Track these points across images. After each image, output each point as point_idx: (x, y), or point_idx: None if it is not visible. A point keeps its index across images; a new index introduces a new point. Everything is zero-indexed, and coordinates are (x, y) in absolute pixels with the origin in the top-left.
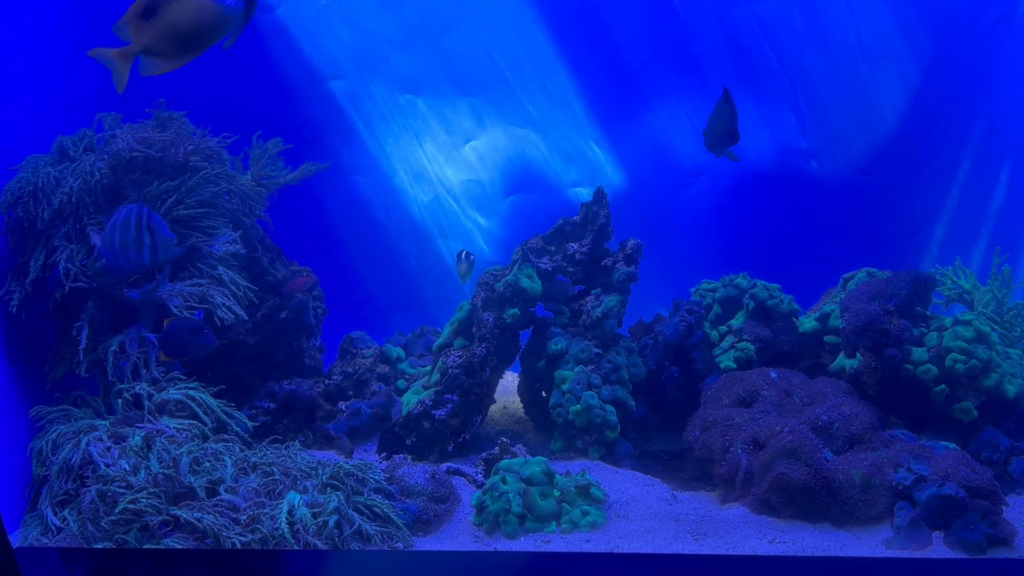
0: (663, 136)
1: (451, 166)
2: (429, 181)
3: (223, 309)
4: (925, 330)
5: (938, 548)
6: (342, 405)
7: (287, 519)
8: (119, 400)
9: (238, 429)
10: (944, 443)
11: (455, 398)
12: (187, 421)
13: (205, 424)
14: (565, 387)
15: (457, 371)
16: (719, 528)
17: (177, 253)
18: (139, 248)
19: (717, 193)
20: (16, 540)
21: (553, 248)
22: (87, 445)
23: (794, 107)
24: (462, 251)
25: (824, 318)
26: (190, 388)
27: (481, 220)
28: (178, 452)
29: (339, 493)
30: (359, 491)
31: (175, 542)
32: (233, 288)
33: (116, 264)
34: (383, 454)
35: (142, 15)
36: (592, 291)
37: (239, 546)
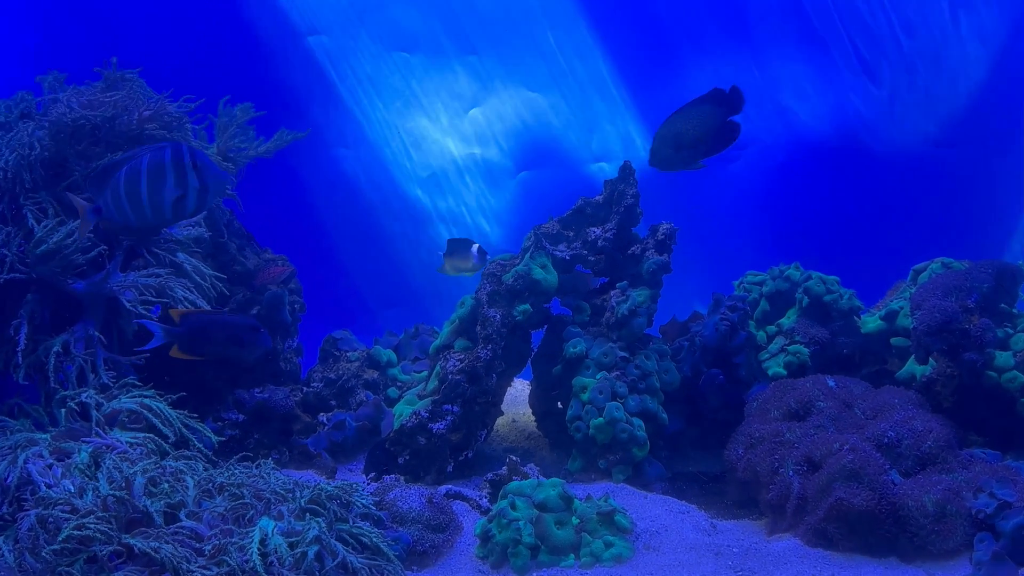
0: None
1: (452, 137)
2: (426, 154)
3: (185, 304)
4: (1011, 331)
5: None
6: (323, 417)
7: (259, 550)
8: (63, 410)
9: (201, 445)
10: None
11: (456, 409)
12: (142, 435)
13: (164, 438)
14: (585, 397)
15: (458, 377)
16: (766, 563)
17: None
18: (181, 196)
19: (766, 169)
20: None
21: (571, 233)
22: (25, 462)
23: (857, 67)
24: (473, 244)
25: (891, 317)
26: (145, 396)
27: (487, 200)
28: (132, 471)
29: (320, 520)
30: (343, 517)
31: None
32: (197, 279)
33: (140, 219)
34: (371, 474)
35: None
36: (617, 284)
37: None
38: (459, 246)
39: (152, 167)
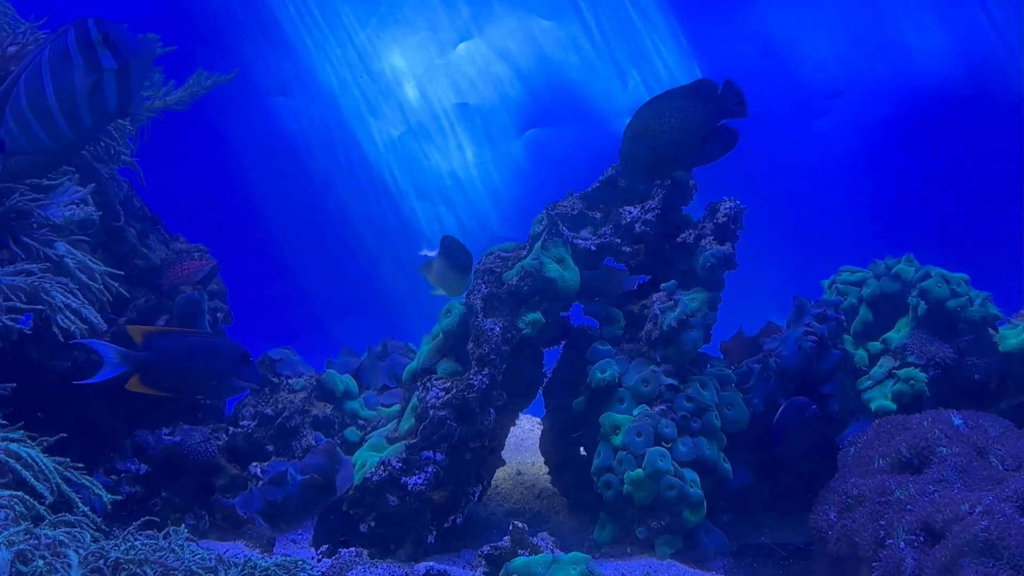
0: (779, 33)
1: (434, 81)
2: (398, 106)
3: (66, 313)
4: None
5: None
6: (257, 468)
7: None
8: None
9: (89, 507)
10: None
11: (440, 457)
12: (7, 492)
13: (37, 498)
14: (618, 440)
15: (443, 413)
16: None
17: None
18: (96, 82)
19: (865, 125)
20: None
21: (599, 214)
22: None
23: (989, 3)
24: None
25: None
26: (11, 440)
27: (483, 168)
28: None
29: None
30: None
31: None
32: (83, 277)
33: (52, 135)
34: (323, 547)
35: None
36: (662, 284)
37: None
38: (456, 250)
39: (54, 57)
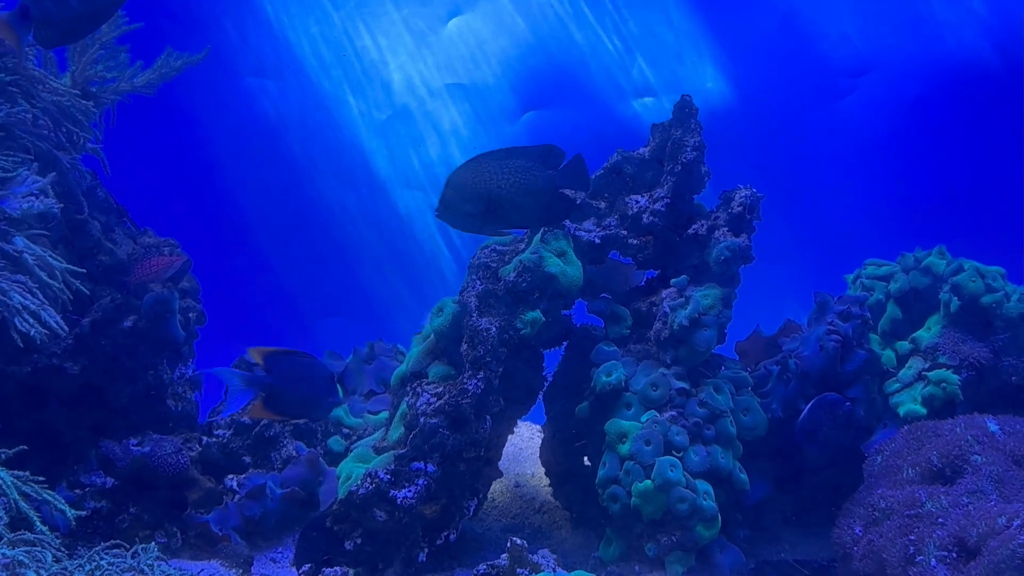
0: (799, 6)
1: (424, 60)
2: (385, 87)
3: (24, 316)
4: None
5: None
6: (233, 481)
7: None
8: None
9: (50, 524)
10: None
11: (431, 469)
12: None
13: None
14: (625, 449)
15: (435, 421)
16: None
17: None
18: None
19: (893, 106)
20: None
21: (603, 204)
22: None
23: None
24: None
25: None
26: None
27: (475, 154)
28: None
29: None
30: None
31: None
32: (43, 275)
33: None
34: (305, 566)
35: None
36: (672, 280)
37: None
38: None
39: None
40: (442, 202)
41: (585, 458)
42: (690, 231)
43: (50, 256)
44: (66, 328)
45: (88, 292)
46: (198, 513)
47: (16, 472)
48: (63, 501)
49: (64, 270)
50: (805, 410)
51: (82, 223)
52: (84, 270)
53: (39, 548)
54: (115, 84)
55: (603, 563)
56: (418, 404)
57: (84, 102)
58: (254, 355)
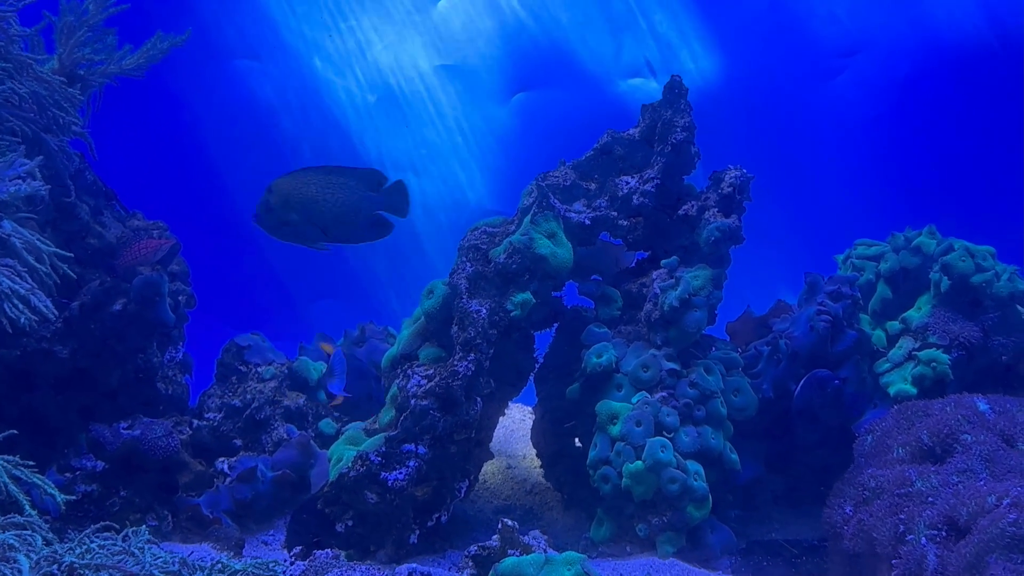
0: None
1: (412, 41)
2: (374, 68)
3: (13, 301)
4: None
5: None
6: (223, 464)
7: None
8: None
9: (40, 508)
10: None
11: (422, 451)
12: None
13: None
14: (616, 430)
15: (425, 403)
16: None
17: None
18: None
19: (883, 86)
20: None
21: (594, 185)
22: None
23: None
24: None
25: None
26: None
27: (467, 135)
28: None
29: None
30: None
31: None
32: (30, 259)
33: None
34: (297, 548)
35: None
36: (663, 261)
37: None
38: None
39: None
40: (263, 207)
41: (576, 439)
42: (680, 212)
43: (38, 239)
44: (56, 312)
45: (76, 276)
46: (189, 496)
47: (6, 456)
48: (52, 485)
49: (52, 253)
50: (798, 388)
51: (70, 206)
52: (72, 254)
53: (29, 532)
54: (103, 67)
55: (594, 544)
56: (409, 386)
57: (70, 90)
58: (326, 349)
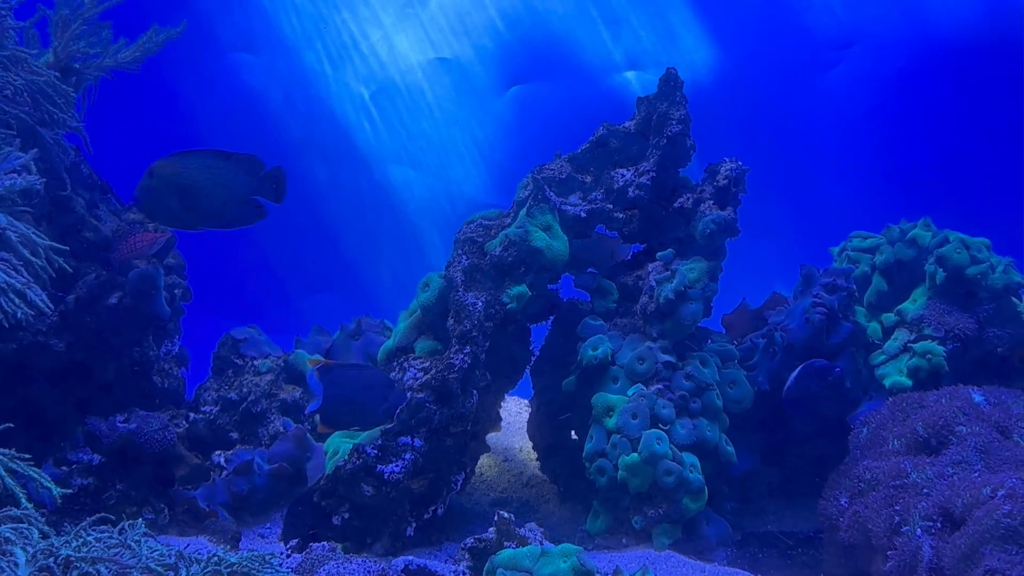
0: None
1: (406, 34)
2: (368, 62)
3: (9, 295)
4: None
5: None
6: (220, 457)
7: None
8: None
9: (36, 501)
10: None
11: (418, 443)
12: None
13: None
14: (612, 423)
15: (421, 396)
16: None
17: None
18: None
19: (878, 78)
20: None
21: (589, 178)
22: None
23: None
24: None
25: None
26: None
27: (462, 128)
28: None
29: None
30: None
31: None
32: (26, 253)
33: None
34: (293, 541)
35: None
36: (658, 253)
37: None
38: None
39: None
40: (143, 191)
41: (572, 432)
42: (676, 204)
43: (33, 233)
44: (52, 306)
45: (72, 269)
46: (185, 489)
47: (2, 449)
48: (49, 478)
49: (47, 247)
50: (792, 377)
51: (66, 199)
52: (67, 247)
53: (25, 525)
54: (99, 60)
55: (590, 536)
56: (405, 379)
57: (64, 87)
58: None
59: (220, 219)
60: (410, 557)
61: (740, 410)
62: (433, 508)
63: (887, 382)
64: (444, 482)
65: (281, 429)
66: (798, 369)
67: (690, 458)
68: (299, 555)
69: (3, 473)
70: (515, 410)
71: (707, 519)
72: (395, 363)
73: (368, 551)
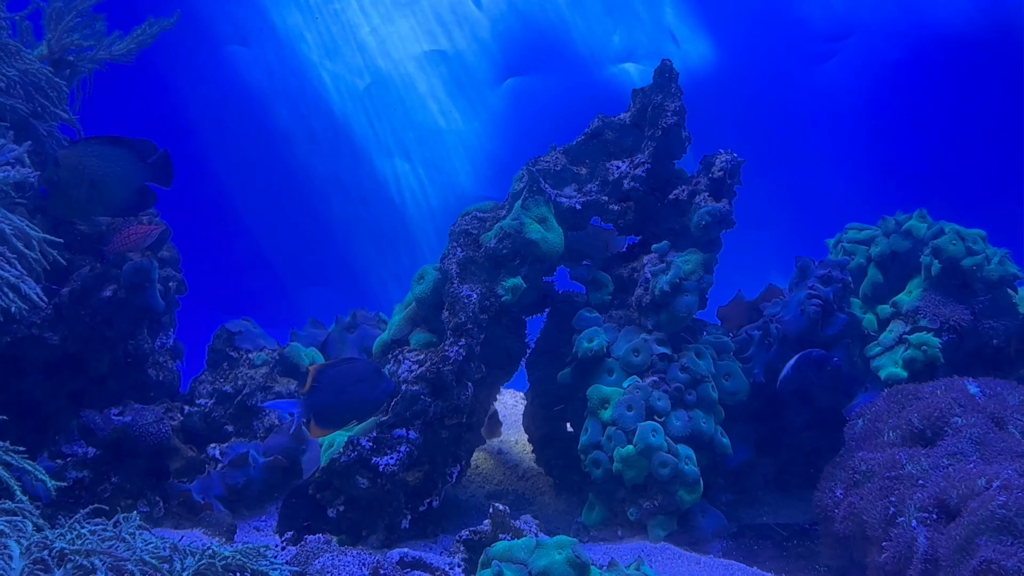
0: None
1: (402, 27)
2: (363, 54)
3: (3, 289)
4: None
5: None
6: (215, 450)
7: None
8: None
9: (31, 494)
10: None
11: (413, 435)
12: None
13: None
14: (607, 415)
15: (416, 388)
16: None
17: None
18: None
19: (874, 70)
20: None
21: (584, 170)
22: None
23: None
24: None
25: None
26: None
27: (458, 121)
28: None
29: None
30: None
31: None
32: (19, 245)
33: None
34: (288, 533)
35: None
36: (654, 246)
37: None
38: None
39: None
40: (51, 184)
41: (568, 424)
42: (671, 196)
43: (27, 225)
44: (45, 299)
45: (66, 262)
46: (180, 482)
47: None
48: (43, 471)
49: (41, 239)
50: (788, 367)
51: None
52: (61, 240)
53: (19, 518)
54: (93, 52)
55: (585, 528)
56: (400, 371)
57: (57, 80)
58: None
59: (117, 208)
60: (405, 549)
61: (735, 402)
62: (428, 500)
63: (883, 374)
64: (439, 474)
65: (276, 422)
66: (794, 359)
67: (685, 450)
68: (294, 548)
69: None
70: (511, 403)
71: (702, 511)
72: (390, 356)
73: (363, 543)
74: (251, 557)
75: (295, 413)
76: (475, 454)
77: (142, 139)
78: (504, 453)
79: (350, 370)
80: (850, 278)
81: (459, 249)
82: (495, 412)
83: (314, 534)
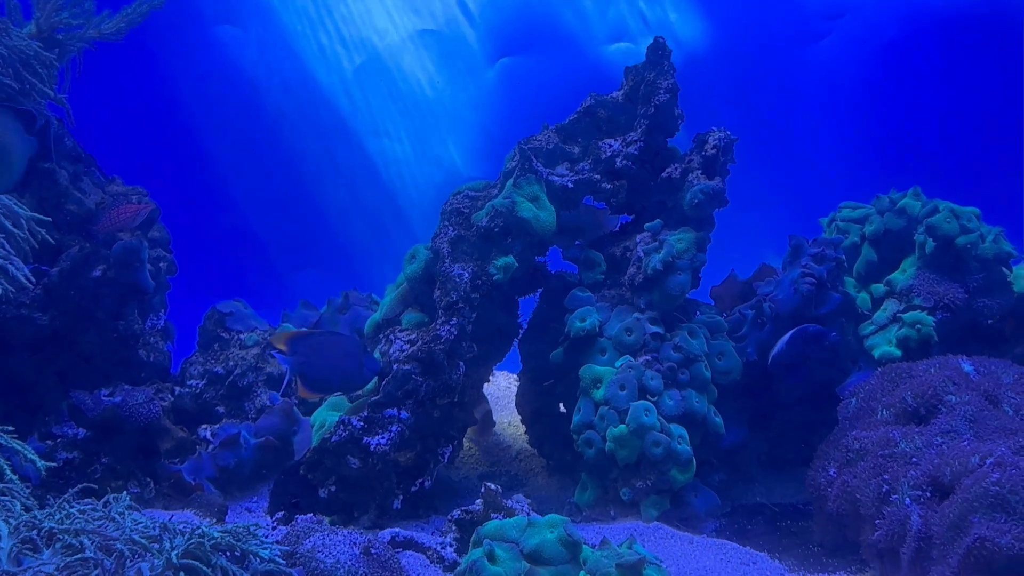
0: None
1: (395, 6)
2: (356, 33)
3: None
4: None
5: None
6: (206, 431)
7: None
8: None
9: (20, 474)
10: None
11: (405, 415)
12: None
13: None
14: (599, 394)
15: (408, 368)
16: None
17: None
18: None
19: (868, 49)
20: None
21: (577, 149)
22: None
23: None
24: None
25: None
26: None
27: (450, 101)
28: None
29: None
30: None
31: None
32: (8, 225)
33: None
34: (279, 514)
35: None
36: (646, 224)
37: None
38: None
39: None
40: None
41: (560, 404)
42: (664, 174)
43: (15, 204)
44: (33, 280)
45: (55, 241)
46: (171, 463)
47: None
48: (33, 452)
49: (30, 218)
50: (782, 342)
51: (48, 172)
52: (50, 219)
53: (8, 498)
54: (82, 31)
55: (578, 508)
56: (391, 351)
57: (47, 56)
58: (277, 342)
59: (12, 182)
60: (397, 529)
61: (728, 381)
62: (420, 481)
63: (876, 352)
64: (431, 454)
65: (268, 402)
66: (789, 334)
67: (678, 429)
68: (285, 527)
69: None
70: (504, 384)
71: (695, 490)
72: (382, 335)
73: (355, 524)
74: (241, 537)
75: (286, 367)
76: (468, 434)
77: (25, 108)
78: (498, 435)
79: (326, 339)
80: (844, 256)
81: (450, 228)
82: (489, 412)
83: (305, 514)
